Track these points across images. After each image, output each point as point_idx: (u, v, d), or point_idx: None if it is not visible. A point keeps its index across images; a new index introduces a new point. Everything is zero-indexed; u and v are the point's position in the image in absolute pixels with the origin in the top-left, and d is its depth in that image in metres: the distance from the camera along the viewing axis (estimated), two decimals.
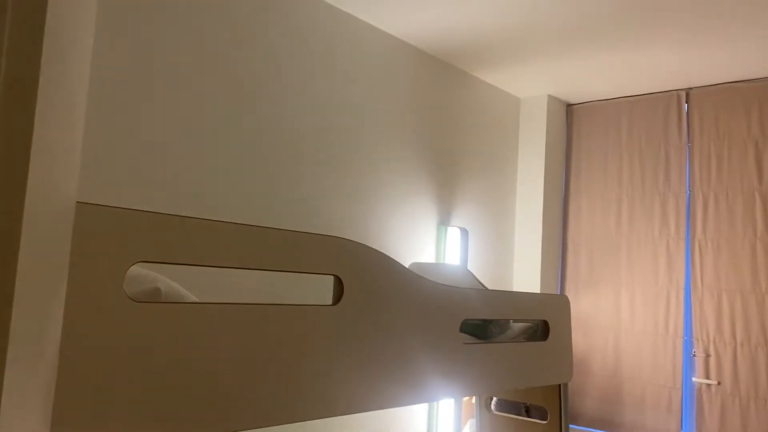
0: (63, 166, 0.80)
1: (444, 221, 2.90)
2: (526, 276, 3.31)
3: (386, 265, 1.53)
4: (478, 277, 2.80)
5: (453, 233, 2.86)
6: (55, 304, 0.88)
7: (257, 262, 1.26)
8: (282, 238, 1.30)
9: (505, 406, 2.76)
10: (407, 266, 2.71)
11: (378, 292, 1.49)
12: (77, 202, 0.98)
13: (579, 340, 3.36)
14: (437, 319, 1.66)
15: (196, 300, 1.30)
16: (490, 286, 2.98)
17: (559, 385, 2.32)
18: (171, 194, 1.93)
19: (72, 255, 0.97)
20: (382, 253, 1.52)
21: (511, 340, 2.12)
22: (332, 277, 1.41)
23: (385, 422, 2.58)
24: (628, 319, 3.25)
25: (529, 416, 2.85)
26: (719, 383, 2.98)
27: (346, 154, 2.47)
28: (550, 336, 2.15)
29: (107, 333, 1.02)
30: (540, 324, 2.18)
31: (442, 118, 2.92)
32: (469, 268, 2.88)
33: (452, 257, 2.85)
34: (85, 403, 0.98)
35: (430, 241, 2.83)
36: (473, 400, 2.67)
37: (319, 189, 2.35)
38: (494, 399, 2.75)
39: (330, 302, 1.40)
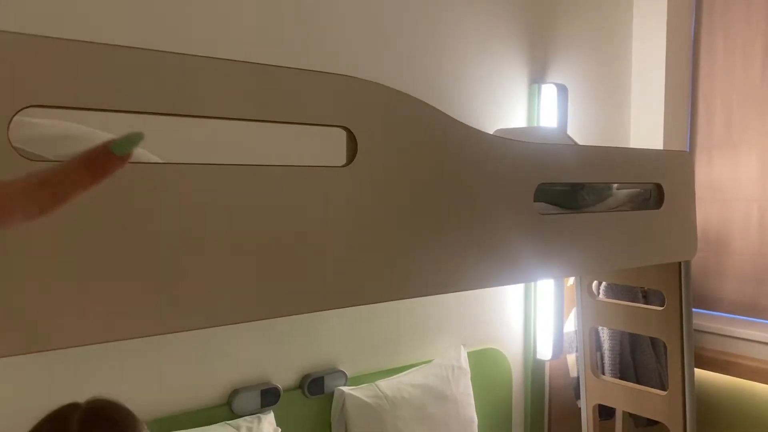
0: None
1: (537, 77, 2.42)
2: (644, 140, 2.77)
3: (415, 112, 1.15)
4: (581, 143, 2.33)
5: (548, 91, 2.38)
6: None
7: (214, 107, 0.94)
8: (253, 74, 0.96)
9: (617, 291, 2.35)
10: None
11: (403, 147, 1.13)
12: None
13: (713, 213, 2.83)
14: (495, 184, 1.28)
15: (159, 160, 1.01)
16: None
17: (679, 264, 1.87)
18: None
19: None
20: (409, 96, 1.15)
21: (613, 210, 1.69)
22: (342, 133, 1.07)
23: (477, 313, 2.26)
24: None
25: (647, 302, 2.43)
26: None
27: None
28: (665, 203, 1.70)
29: None
30: (652, 188, 1.73)
31: None
32: (569, 132, 2.41)
33: (548, 121, 2.39)
34: None
35: (521, 102, 2.38)
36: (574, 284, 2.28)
37: (364, 28, 1.95)
38: (603, 283, 2.35)
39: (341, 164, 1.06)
